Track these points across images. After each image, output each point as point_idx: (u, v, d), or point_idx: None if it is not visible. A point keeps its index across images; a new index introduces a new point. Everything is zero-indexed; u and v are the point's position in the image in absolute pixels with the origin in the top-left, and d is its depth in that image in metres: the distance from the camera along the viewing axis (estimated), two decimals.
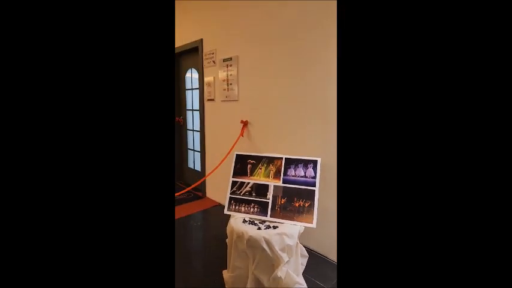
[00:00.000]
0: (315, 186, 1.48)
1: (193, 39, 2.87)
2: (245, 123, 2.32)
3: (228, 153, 2.30)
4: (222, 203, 2.76)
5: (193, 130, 3.29)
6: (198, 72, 2.97)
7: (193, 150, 3.34)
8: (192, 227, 2.31)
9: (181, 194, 3.00)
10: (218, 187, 2.82)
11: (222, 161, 2.26)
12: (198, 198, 2.99)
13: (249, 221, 1.49)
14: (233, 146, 2.31)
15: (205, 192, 3.03)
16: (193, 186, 2.24)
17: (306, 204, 1.46)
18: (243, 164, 1.68)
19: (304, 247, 1.57)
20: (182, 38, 3.06)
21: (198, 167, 3.28)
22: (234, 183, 1.66)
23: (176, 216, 2.46)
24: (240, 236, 1.37)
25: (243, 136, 2.34)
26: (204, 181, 3.01)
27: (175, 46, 3.18)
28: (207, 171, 2.96)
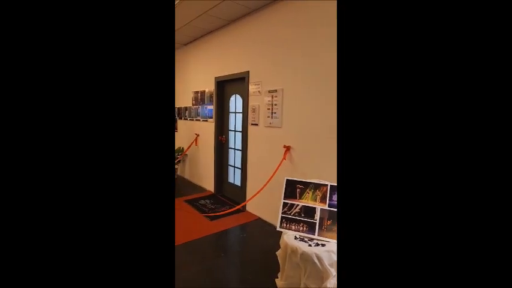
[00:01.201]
0: None
1: (240, 71, 3.26)
2: (288, 148, 2.63)
3: (273, 175, 2.61)
4: (262, 217, 3.07)
5: (234, 149, 3.66)
6: (243, 99, 3.35)
7: (234, 166, 3.70)
8: (239, 238, 2.63)
9: (224, 209, 3.34)
10: (258, 202, 3.12)
11: (268, 181, 2.58)
12: (239, 211, 3.32)
13: (300, 238, 1.77)
14: (277, 169, 2.62)
15: (245, 206, 3.35)
16: (242, 204, 2.57)
17: None
18: (293, 188, 1.98)
19: None
20: (229, 68, 3.47)
21: (237, 182, 3.63)
22: (284, 204, 1.96)
23: (224, 228, 2.80)
24: (294, 251, 1.65)
25: (285, 160, 2.65)
26: (245, 196, 3.34)
27: (223, 75, 3.60)
28: (248, 188, 3.29)
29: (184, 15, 3.21)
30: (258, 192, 2.68)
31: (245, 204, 3.35)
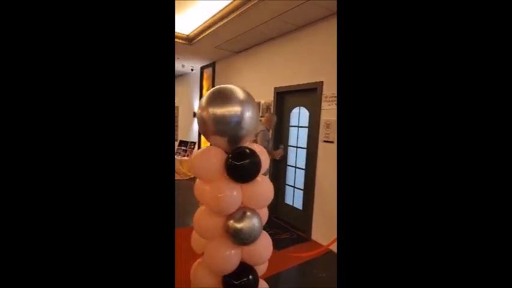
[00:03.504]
0: None
1: (310, 81, 2.92)
2: None
3: None
4: (334, 250, 2.63)
5: (295, 167, 3.28)
6: (311, 112, 3.00)
7: (294, 187, 3.31)
8: (318, 279, 2.21)
9: (285, 236, 2.95)
10: (327, 232, 2.70)
11: None
12: (302, 240, 2.90)
13: None
14: None
15: (311, 234, 2.93)
16: (329, 244, 2.17)
17: None
18: None
19: None
20: (294, 78, 3.15)
21: (298, 205, 3.23)
22: None
23: (296, 262, 2.39)
24: None
25: None
26: (310, 222, 2.93)
27: (285, 85, 3.28)
28: (315, 212, 2.88)
29: (248, 22, 2.95)
30: None
31: (309, 231, 2.94)
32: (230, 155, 1.22)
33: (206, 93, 1.30)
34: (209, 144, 1.35)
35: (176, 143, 6.23)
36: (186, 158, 5.80)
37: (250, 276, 1.26)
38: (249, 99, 1.29)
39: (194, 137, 6.06)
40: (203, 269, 1.28)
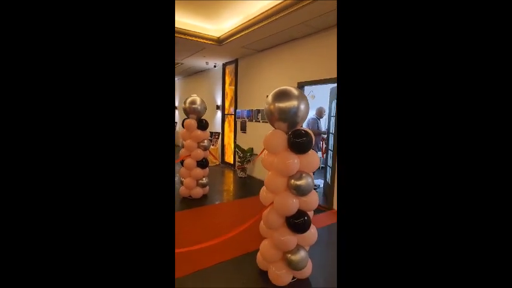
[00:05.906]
0: None
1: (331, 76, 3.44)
2: None
3: None
4: None
5: (331, 150, 3.84)
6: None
7: (329, 166, 3.88)
8: None
9: None
10: None
11: None
12: (325, 210, 3.49)
13: None
14: None
15: (332, 205, 3.51)
16: None
17: None
18: None
19: None
20: (322, 72, 3.66)
21: (329, 181, 3.80)
22: None
23: (320, 225, 2.97)
24: None
25: None
26: (333, 193, 3.50)
27: (313, 79, 3.80)
28: (336, 186, 3.45)
29: (278, 26, 3.44)
30: None
31: (332, 203, 3.52)
32: (291, 135, 1.79)
33: (271, 94, 1.87)
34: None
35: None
36: (212, 147, 6.39)
37: (306, 218, 1.85)
38: (303, 96, 1.85)
39: (217, 128, 6.62)
40: (273, 213, 1.87)
